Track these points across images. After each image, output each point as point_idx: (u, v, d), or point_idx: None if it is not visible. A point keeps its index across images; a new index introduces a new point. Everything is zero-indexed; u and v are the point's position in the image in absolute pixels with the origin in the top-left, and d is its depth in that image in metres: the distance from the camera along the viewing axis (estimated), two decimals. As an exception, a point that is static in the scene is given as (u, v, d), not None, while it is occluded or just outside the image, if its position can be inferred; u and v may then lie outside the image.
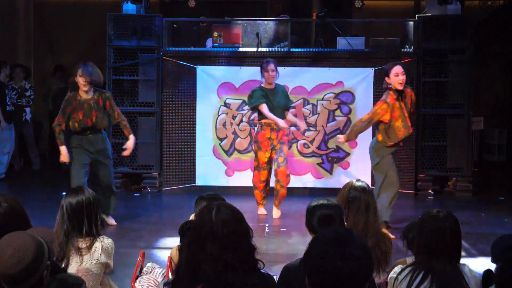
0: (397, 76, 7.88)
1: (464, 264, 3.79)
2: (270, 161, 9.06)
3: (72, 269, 4.50)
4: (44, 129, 15.10)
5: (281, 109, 9.02)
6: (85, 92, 8.08)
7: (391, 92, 7.96)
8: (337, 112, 10.80)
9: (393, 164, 8.16)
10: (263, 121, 8.96)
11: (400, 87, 7.93)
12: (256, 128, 9.28)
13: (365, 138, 10.68)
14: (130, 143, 8.41)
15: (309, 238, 3.89)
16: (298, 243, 7.41)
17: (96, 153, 8.20)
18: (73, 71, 8.17)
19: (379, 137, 8.09)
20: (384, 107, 7.93)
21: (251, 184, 9.70)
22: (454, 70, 10.93)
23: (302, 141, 10.75)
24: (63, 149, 8.10)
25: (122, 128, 8.58)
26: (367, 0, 15.25)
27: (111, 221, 8.50)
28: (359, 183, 4.81)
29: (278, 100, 9.00)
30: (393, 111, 7.94)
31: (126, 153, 8.57)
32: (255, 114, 10.70)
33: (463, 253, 3.87)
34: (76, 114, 8.03)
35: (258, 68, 10.74)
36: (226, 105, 10.86)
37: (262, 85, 9.15)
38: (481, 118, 11.52)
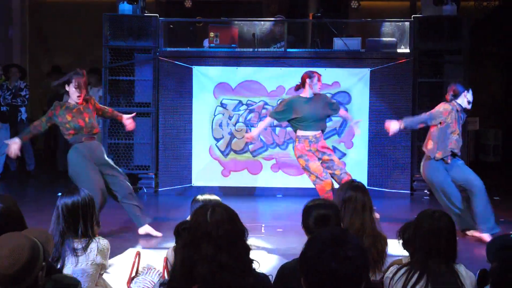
0: (468, 101, 8.01)
1: (459, 264, 3.80)
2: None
3: (68, 269, 4.50)
4: (40, 132, 15.04)
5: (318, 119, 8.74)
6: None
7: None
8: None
9: None
10: (299, 133, 8.69)
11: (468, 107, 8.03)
12: (293, 143, 9.05)
13: (361, 140, 10.73)
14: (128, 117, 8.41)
15: (305, 238, 3.89)
16: (294, 243, 7.40)
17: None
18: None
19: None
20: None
21: (246, 185, 9.71)
22: (450, 70, 10.94)
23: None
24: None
25: (116, 117, 8.47)
26: (364, 0, 15.30)
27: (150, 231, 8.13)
28: (355, 183, 4.82)
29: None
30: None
31: (130, 126, 8.47)
32: (251, 115, 10.75)
33: (458, 253, 3.87)
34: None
35: (255, 68, 10.79)
36: (222, 105, 10.86)
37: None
38: (476, 119, 11.54)
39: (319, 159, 8.56)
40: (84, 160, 7.77)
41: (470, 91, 8.03)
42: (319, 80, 8.67)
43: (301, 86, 8.73)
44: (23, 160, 13.11)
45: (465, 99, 7.95)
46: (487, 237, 7.43)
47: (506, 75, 15.61)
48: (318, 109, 8.59)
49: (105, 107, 8.35)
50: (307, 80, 8.62)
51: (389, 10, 15.38)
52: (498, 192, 10.95)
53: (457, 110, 7.93)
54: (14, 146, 7.77)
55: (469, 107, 8.00)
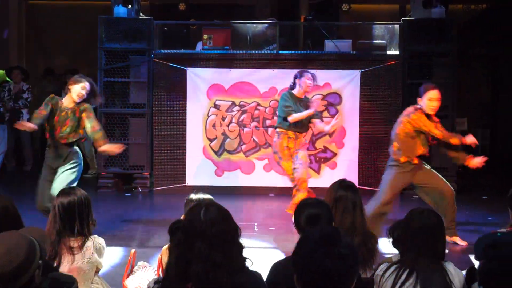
0: (431, 101, 7.35)
1: (448, 262, 3.80)
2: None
3: (64, 268, 4.49)
4: (36, 131, 15.02)
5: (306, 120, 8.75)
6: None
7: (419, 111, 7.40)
8: (325, 114, 10.80)
9: None
10: (279, 129, 8.76)
11: (431, 113, 7.43)
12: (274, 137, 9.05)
13: (351, 140, 10.74)
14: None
15: (297, 236, 3.89)
16: (286, 242, 7.41)
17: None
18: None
19: None
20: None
21: (239, 184, 9.71)
22: (438, 72, 10.96)
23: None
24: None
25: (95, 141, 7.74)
26: (354, 3, 15.32)
27: None
28: (346, 183, 4.82)
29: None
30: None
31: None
32: (244, 116, 10.74)
33: (447, 251, 3.88)
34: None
35: (248, 70, 10.78)
36: (215, 106, 10.86)
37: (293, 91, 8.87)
38: (465, 119, 11.57)
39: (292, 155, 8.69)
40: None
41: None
42: (307, 78, 8.71)
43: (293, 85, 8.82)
44: (21, 159, 13.10)
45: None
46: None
47: (493, 76, 15.66)
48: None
49: (94, 123, 7.57)
50: (296, 80, 8.77)
51: (379, 12, 15.42)
52: (486, 191, 11.00)
53: None
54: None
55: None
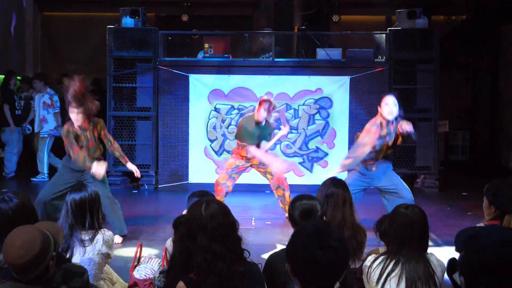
0: (386, 105, 7.24)
1: (431, 253, 3.80)
2: (235, 169, 8.53)
3: (76, 259, 4.49)
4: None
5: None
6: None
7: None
8: (317, 116, 10.82)
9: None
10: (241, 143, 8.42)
11: (388, 117, 7.24)
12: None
13: (341, 140, 10.74)
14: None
15: (291, 230, 3.89)
16: (282, 235, 7.41)
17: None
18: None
19: None
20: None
21: (238, 182, 9.66)
22: (422, 78, 10.97)
23: (285, 143, 10.75)
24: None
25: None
26: (344, 15, 15.32)
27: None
28: (337, 180, 4.82)
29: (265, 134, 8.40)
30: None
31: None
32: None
33: (430, 243, 3.88)
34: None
35: (246, 76, 10.78)
36: (216, 109, 10.85)
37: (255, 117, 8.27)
38: (446, 122, 11.56)
39: (251, 166, 8.53)
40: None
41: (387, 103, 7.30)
42: (267, 110, 8.14)
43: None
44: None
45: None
46: None
47: (472, 82, 15.67)
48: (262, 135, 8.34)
49: (111, 139, 7.51)
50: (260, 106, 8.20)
51: (367, 23, 15.41)
52: (465, 188, 11.02)
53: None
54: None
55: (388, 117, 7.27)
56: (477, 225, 4.65)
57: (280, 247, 3.76)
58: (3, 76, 12.53)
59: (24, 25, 15.39)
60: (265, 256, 3.90)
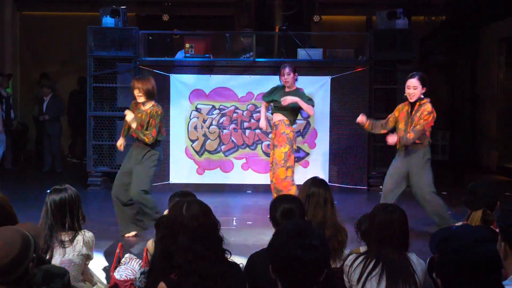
0: (408, 89, 7.36)
1: (411, 253, 3.83)
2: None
3: (56, 260, 4.47)
4: (30, 132, 14.96)
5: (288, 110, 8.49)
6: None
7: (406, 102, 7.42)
8: (298, 116, 10.83)
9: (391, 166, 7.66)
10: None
11: (410, 99, 7.34)
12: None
13: (322, 140, 10.78)
14: None
15: (272, 230, 3.90)
16: (263, 235, 7.41)
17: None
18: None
19: None
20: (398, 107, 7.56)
21: (219, 182, 9.69)
22: (402, 78, 10.97)
23: (266, 142, 10.76)
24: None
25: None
26: (325, 15, 15.36)
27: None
28: (318, 180, 4.84)
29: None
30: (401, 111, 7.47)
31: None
32: (223, 118, 10.75)
33: (410, 242, 3.90)
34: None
35: (227, 76, 10.79)
36: (197, 110, 10.84)
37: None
38: (426, 122, 11.60)
39: (274, 145, 8.47)
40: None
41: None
42: (281, 74, 8.48)
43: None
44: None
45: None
46: None
47: (451, 82, 15.78)
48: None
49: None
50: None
51: (347, 23, 15.47)
52: (445, 187, 11.08)
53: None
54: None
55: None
56: (455, 224, 4.72)
57: (261, 247, 3.76)
58: None
59: (3, 24, 15.26)
60: (247, 256, 3.89)
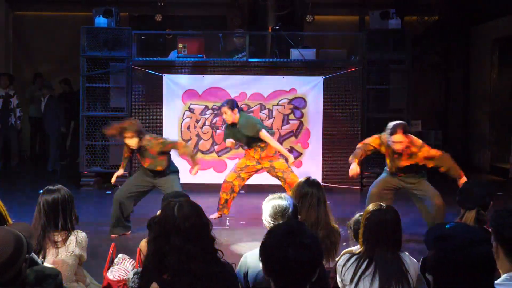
0: (394, 143, 7.35)
1: (404, 252, 3.84)
2: (245, 169, 8.63)
3: (49, 261, 4.46)
4: (24, 132, 14.91)
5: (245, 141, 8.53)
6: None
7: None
8: (291, 116, 10.86)
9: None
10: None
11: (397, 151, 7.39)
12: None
13: (315, 140, 10.78)
14: None
15: (265, 230, 3.90)
16: (256, 235, 7.41)
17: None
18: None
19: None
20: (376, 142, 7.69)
21: (212, 182, 9.66)
22: (395, 78, 11.06)
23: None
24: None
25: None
26: (317, 15, 15.35)
27: None
28: (311, 180, 4.83)
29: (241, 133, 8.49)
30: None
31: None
32: (216, 119, 10.74)
33: (403, 242, 3.91)
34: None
35: (220, 76, 10.79)
36: (190, 110, 10.84)
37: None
38: (419, 121, 11.67)
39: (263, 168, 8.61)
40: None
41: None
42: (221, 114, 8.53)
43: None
44: (7, 156, 12.98)
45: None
46: None
47: (445, 82, 15.80)
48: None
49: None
50: None
51: (340, 23, 15.46)
52: (437, 186, 11.08)
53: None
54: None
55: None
56: (448, 222, 4.73)
57: (254, 247, 3.76)
58: None
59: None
60: (240, 255, 3.89)
